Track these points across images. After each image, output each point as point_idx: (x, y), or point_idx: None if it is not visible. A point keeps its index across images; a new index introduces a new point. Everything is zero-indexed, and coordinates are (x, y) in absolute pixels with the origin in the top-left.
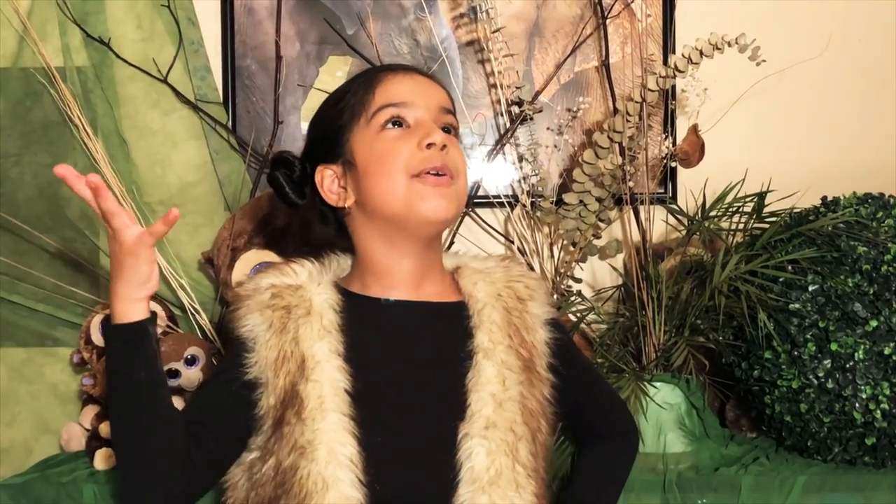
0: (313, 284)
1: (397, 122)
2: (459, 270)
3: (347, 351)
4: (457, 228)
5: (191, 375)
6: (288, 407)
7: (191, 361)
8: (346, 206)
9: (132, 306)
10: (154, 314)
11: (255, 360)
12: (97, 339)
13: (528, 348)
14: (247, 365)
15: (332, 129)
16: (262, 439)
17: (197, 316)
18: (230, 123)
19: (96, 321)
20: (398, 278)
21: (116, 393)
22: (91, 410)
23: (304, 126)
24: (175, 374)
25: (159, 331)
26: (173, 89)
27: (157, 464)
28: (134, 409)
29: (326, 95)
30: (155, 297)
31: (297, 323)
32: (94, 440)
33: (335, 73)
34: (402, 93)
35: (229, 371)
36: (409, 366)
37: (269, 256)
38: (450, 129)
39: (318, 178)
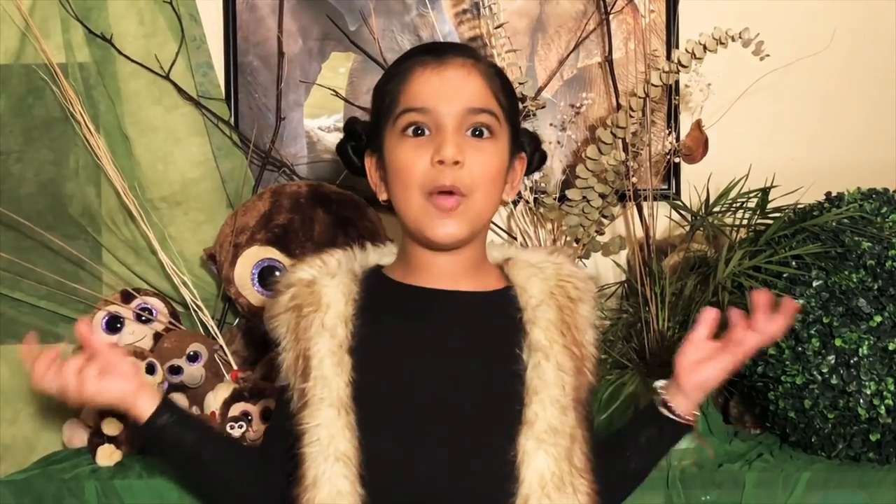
0: (328, 277)
1: (418, 129)
2: (510, 262)
3: (357, 342)
4: None
5: (193, 372)
6: (301, 407)
7: (193, 358)
8: (381, 200)
9: (136, 408)
10: (164, 398)
11: (282, 361)
12: (99, 335)
13: (579, 347)
14: (280, 369)
15: (376, 114)
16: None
17: (199, 313)
18: (232, 120)
19: (98, 318)
20: (436, 272)
21: (171, 468)
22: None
23: (307, 122)
24: (177, 370)
25: (161, 328)
26: (175, 86)
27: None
28: (187, 474)
29: (330, 92)
30: (158, 294)
31: (306, 321)
32: (96, 437)
33: (338, 69)
34: (426, 96)
35: (283, 392)
36: (437, 357)
37: (272, 253)
38: (481, 130)
39: (366, 161)
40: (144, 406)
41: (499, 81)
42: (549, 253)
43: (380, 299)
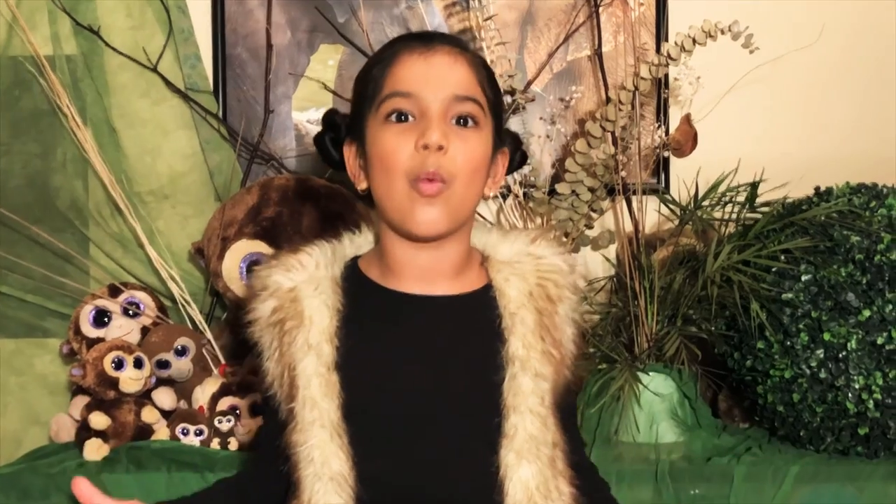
0: (311, 286)
1: (402, 115)
2: (488, 261)
3: (343, 358)
4: None
5: (181, 366)
6: (288, 423)
7: (181, 352)
8: (360, 189)
9: None
10: None
11: (266, 370)
12: (86, 329)
13: (558, 348)
14: (264, 373)
15: (357, 101)
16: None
17: (187, 307)
18: (220, 113)
19: (86, 312)
20: (414, 272)
21: None
22: (80, 401)
23: (296, 115)
24: (165, 364)
25: (148, 322)
26: (163, 78)
27: None
28: None
29: (318, 84)
30: (145, 288)
31: (290, 335)
32: (84, 431)
33: (326, 61)
34: (411, 80)
35: (266, 398)
36: (424, 367)
37: (260, 246)
38: (466, 119)
39: (345, 150)
40: None
41: (485, 73)
42: (531, 241)
43: (361, 306)
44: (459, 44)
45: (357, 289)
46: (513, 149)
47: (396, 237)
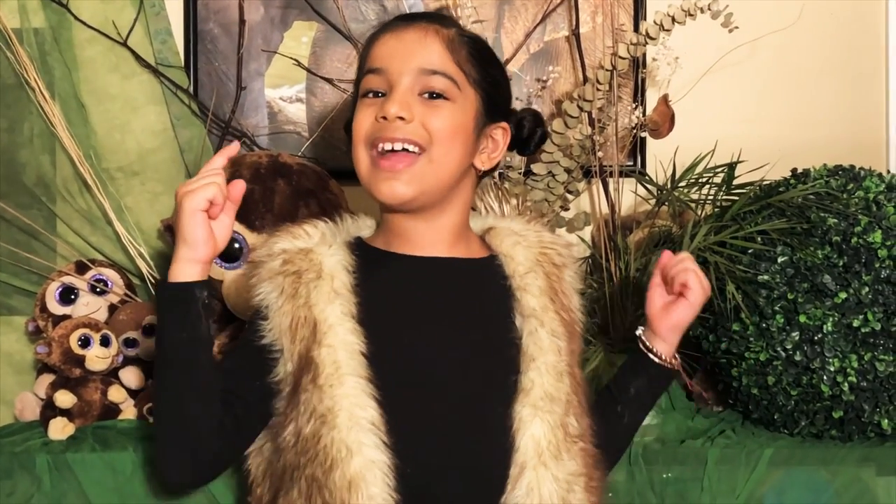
0: (324, 246)
1: (376, 93)
2: (491, 231)
3: (363, 312)
4: None
5: (149, 345)
6: (304, 373)
7: (149, 330)
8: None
9: (184, 267)
10: (207, 281)
11: (270, 327)
12: (53, 307)
13: (568, 312)
14: (262, 331)
15: (357, 76)
16: (282, 405)
17: (156, 285)
18: (191, 88)
19: (52, 289)
20: (416, 239)
21: (158, 350)
22: (46, 379)
23: (268, 92)
24: (132, 343)
25: (116, 299)
26: (133, 53)
27: (192, 425)
28: (172, 368)
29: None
30: (113, 265)
31: (307, 287)
32: (49, 409)
33: (300, 38)
34: (381, 57)
35: (249, 339)
36: (438, 324)
37: None
38: (435, 94)
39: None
40: (192, 269)
41: (466, 50)
42: (527, 222)
43: (372, 270)
44: (440, 20)
45: (365, 255)
46: (530, 127)
47: (388, 208)
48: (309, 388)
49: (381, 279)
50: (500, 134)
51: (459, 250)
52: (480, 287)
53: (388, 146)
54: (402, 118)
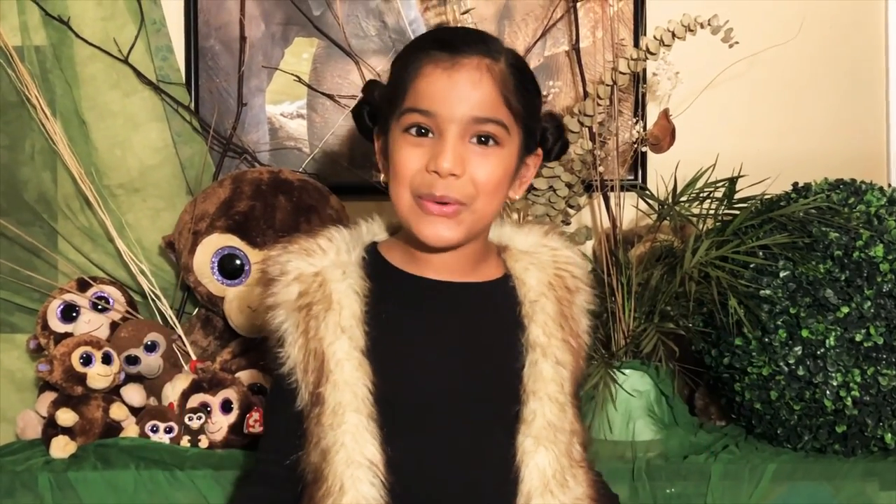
0: (337, 271)
1: (421, 129)
2: (507, 252)
3: (372, 343)
4: None
5: (150, 362)
6: (314, 407)
7: (150, 348)
8: (382, 181)
9: None
10: None
11: (287, 355)
12: (54, 324)
13: (576, 338)
14: (281, 359)
15: (387, 96)
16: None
17: (158, 302)
18: (193, 105)
19: (53, 306)
20: (438, 264)
21: None
22: (47, 397)
23: (269, 108)
24: (134, 360)
25: (118, 317)
26: (134, 70)
27: None
28: None
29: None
30: (115, 282)
31: (317, 320)
32: (51, 427)
33: (301, 54)
34: (431, 98)
35: (279, 372)
36: (447, 356)
37: (232, 240)
38: (487, 139)
39: (375, 141)
40: None
41: (513, 82)
42: (544, 234)
43: (385, 291)
44: (487, 51)
45: (381, 273)
46: (553, 139)
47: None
48: (315, 421)
49: (394, 305)
50: (534, 161)
51: (476, 274)
52: (492, 313)
53: (438, 200)
54: (454, 175)
